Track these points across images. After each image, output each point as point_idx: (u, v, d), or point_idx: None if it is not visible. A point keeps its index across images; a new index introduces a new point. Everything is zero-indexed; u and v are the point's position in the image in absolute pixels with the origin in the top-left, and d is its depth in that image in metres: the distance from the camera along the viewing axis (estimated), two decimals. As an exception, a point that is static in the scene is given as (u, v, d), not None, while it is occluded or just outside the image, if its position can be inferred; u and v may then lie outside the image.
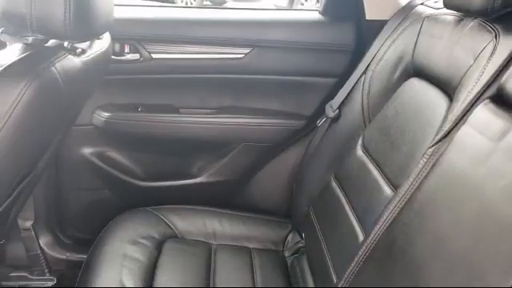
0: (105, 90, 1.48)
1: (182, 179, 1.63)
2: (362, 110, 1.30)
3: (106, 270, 1.14)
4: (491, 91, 0.78)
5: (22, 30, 0.86)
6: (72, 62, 0.92)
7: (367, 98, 1.30)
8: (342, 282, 0.92)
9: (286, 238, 1.45)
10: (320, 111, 1.50)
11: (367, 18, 1.43)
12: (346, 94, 1.38)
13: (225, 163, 1.62)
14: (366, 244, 0.90)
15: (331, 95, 1.46)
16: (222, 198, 1.61)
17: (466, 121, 0.78)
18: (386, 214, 0.87)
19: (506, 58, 0.78)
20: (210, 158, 1.64)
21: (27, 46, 0.90)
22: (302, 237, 1.41)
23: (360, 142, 1.22)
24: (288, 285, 1.28)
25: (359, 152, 1.20)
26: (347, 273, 0.92)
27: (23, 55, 0.85)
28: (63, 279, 1.61)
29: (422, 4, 1.26)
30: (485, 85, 0.80)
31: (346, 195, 1.18)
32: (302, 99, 1.56)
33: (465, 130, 0.77)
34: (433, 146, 0.84)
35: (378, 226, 0.88)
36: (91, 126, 1.54)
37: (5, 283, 1.57)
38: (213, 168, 1.63)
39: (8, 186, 0.99)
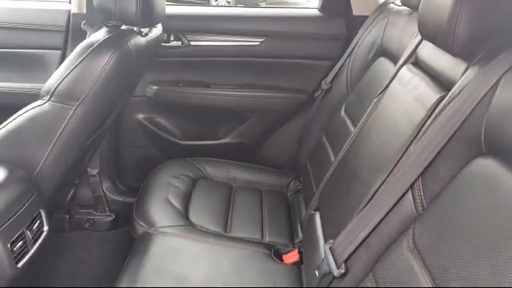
0: (155, 69, 1.86)
1: (211, 139, 2.01)
2: (346, 83, 1.66)
3: (157, 191, 1.54)
4: (413, 58, 1.14)
5: (109, 18, 1.27)
6: (140, 40, 1.33)
7: (350, 74, 1.66)
8: (317, 192, 1.30)
9: (289, 183, 1.79)
10: (319, 87, 1.85)
11: (354, 13, 1.78)
12: (335, 72, 1.74)
13: (244, 127, 1.98)
14: (333, 165, 1.27)
15: (327, 74, 1.81)
16: (242, 154, 1.96)
17: (396, 78, 1.15)
18: (346, 143, 1.24)
19: (423, 36, 1.14)
20: (232, 124, 2.00)
21: (110, 30, 1.31)
22: (300, 182, 1.77)
23: (343, 106, 1.58)
24: (288, 214, 1.63)
25: (342, 113, 1.56)
26: (320, 186, 1.29)
27: (110, 35, 1.26)
28: (119, 216, 1.97)
29: (392, 3, 1.61)
30: (410, 54, 1.15)
31: (331, 145, 1.53)
32: (304, 78, 1.91)
33: (393, 84, 1.14)
34: (376, 97, 1.20)
35: (341, 152, 1.25)
36: (144, 96, 1.93)
37: (76, 216, 1.93)
38: (235, 131, 1.99)
39: (93, 126, 1.39)
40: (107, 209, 1.97)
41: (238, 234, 1.42)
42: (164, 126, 2.01)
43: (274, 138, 2.02)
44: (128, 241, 1.50)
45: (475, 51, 0.83)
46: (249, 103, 1.94)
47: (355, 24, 1.74)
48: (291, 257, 1.32)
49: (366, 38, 1.62)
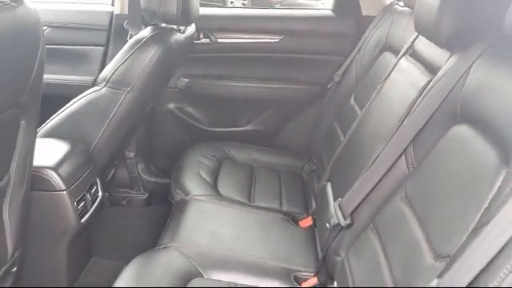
0: (186, 63, 2.05)
1: (234, 127, 2.20)
2: (356, 75, 1.84)
3: (189, 167, 1.74)
4: (410, 50, 1.33)
5: (154, 18, 1.49)
6: (179, 36, 1.54)
7: (359, 68, 1.84)
8: (329, 166, 1.49)
9: (304, 165, 1.96)
10: (331, 79, 2.03)
11: (363, 14, 1.96)
12: (346, 66, 1.92)
13: (264, 116, 2.17)
14: (342, 143, 1.46)
15: (339, 68, 1.99)
16: (262, 139, 2.14)
17: (396, 67, 1.34)
18: (354, 124, 1.43)
19: (419, 31, 1.32)
20: (254, 112, 2.19)
21: (154, 28, 1.52)
22: (314, 163, 1.95)
23: (353, 96, 1.76)
24: (303, 189, 1.82)
25: (352, 102, 1.74)
26: (331, 160, 1.48)
27: (154, 32, 1.47)
28: (152, 195, 2.15)
29: (396, 4, 1.79)
30: (408, 47, 1.34)
31: (341, 129, 1.71)
32: (318, 71, 2.08)
33: (394, 72, 1.32)
34: (381, 83, 1.39)
35: (349, 132, 1.44)
36: (176, 88, 2.13)
37: (114, 194, 2.11)
38: (256, 119, 2.18)
39: (139, 110, 1.60)
40: (142, 188, 2.15)
41: (260, 204, 1.62)
42: (193, 115, 2.20)
43: (290, 125, 2.20)
44: (160, 216, 1.68)
45: (456, 43, 1.01)
46: (269, 94, 2.13)
47: (364, 23, 1.91)
48: (306, 222, 1.52)
49: (373, 36, 1.80)
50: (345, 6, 2.06)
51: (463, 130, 0.90)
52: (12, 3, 0.86)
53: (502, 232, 0.59)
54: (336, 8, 2.08)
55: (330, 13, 2.12)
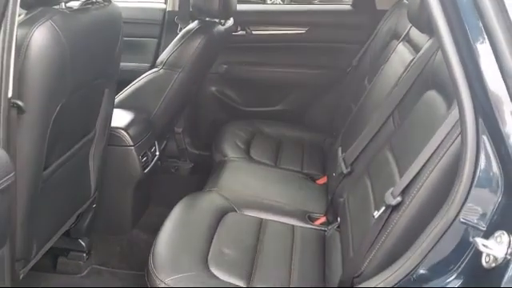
0: (225, 52, 2.33)
1: (266, 107, 2.50)
2: (369, 61, 2.09)
3: (227, 137, 2.05)
4: (407, 37, 1.59)
5: (200, 14, 1.81)
6: (220, 28, 1.86)
7: (373, 54, 2.09)
8: (341, 134, 1.77)
9: (325, 140, 2.23)
10: (349, 65, 2.29)
11: (377, 8, 2.21)
12: (362, 53, 2.18)
13: (292, 97, 2.46)
14: (350, 115, 1.74)
15: (356, 55, 2.25)
16: (290, 117, 2.43)
17: (395, 51, 1.60)
18: (362, 98, 1.70)
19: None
20: (283, 94, 2.47)
21: (200, 21, 1.85)
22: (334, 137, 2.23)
23: (366, 78, 2.02)
24: (322, 159, 2.10)
25: (365, 83, 2.00)
26: (342, 129, 1.76)
27: (200, 25, 1.80)
28: (197, 164, 2.46)
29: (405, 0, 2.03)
30: (405, 34, 1.60)
31: (355, 106, 1.98)
32: (339, 58, 2.34)
33: (392, 55, 1.59)
34: (383, 65, 1.65)
35: (358, 104, 1.72)
36: (217, 73, 2.43)
37: (165, 163, 2.43)
38: (285, 100, 2.47)
39: (188, 89, 1.94)
40: (188, 159, 2.47)
41: (284, 166, 1.92)
42: (231, 96, 2.51)
43: (314, 105, 2.48)
44: (203, 181, 1.96)
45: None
46: (295, 78, 2.42)
47: (378, 16, 2.15)
48: (322, 180, 1.81)
49: (385, 27, 2.04)
50: (362, 1, 2.31)
51: (432, 94, 1.16)
52: (105, 2, 1.21)
53: (424, 155, 0.88)
54: (354, 3, 2.35)
55: (349, 7, 2.38)
